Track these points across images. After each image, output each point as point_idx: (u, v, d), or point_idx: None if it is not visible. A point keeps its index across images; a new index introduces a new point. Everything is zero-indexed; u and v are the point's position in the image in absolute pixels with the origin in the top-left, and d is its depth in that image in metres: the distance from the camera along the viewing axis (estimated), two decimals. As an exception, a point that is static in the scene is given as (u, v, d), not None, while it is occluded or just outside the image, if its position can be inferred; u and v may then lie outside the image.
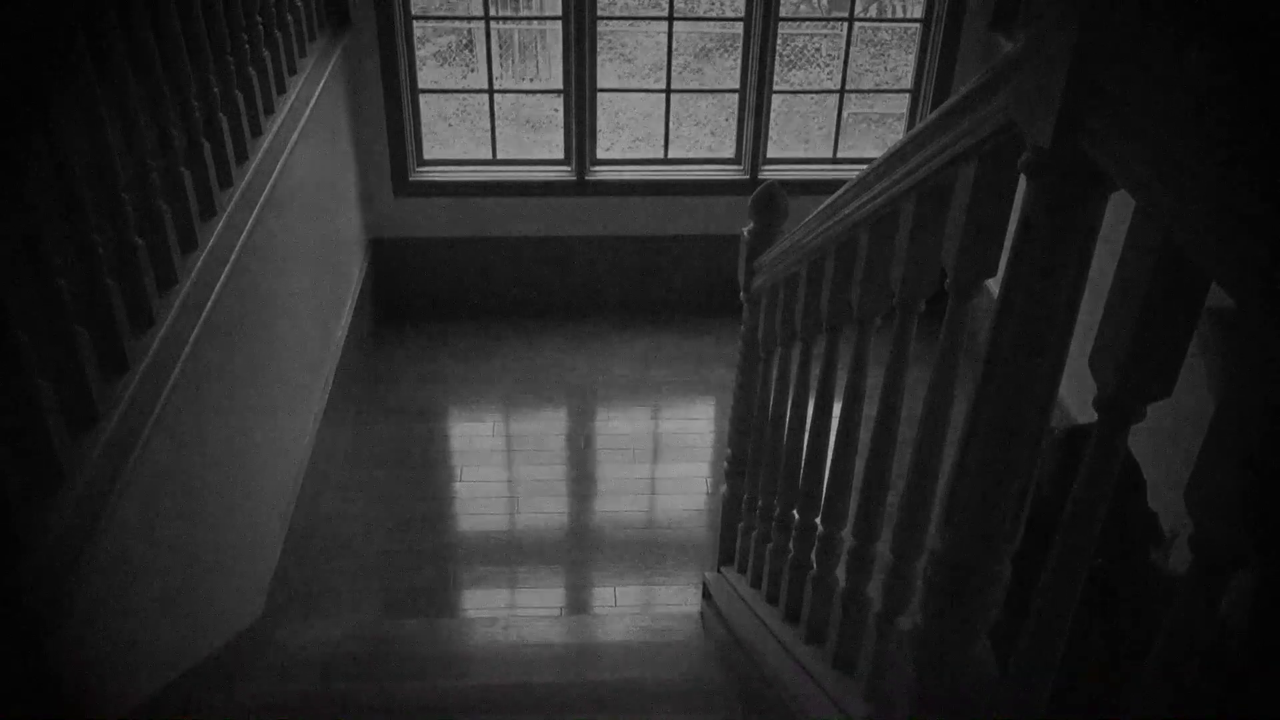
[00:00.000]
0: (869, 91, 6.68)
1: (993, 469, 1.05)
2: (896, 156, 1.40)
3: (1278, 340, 0.64)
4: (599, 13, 4.21)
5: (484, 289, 4.74)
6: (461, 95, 6.69)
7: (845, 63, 4.54)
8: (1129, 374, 0.85)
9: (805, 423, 2.04)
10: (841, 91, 4.57)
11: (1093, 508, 0.93)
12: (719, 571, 2.87)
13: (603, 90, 4.47)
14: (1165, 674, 0.79)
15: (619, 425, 4.09)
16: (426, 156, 4.57)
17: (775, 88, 4.44)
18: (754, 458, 2.56)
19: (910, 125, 4.59)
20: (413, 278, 4.69)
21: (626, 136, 6.65)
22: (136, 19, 2.05)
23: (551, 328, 4.66)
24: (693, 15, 5.83)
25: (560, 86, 4.46)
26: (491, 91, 4.54)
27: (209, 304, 2.23)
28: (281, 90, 3.11)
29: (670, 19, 4.38)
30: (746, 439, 2.67)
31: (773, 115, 4.50)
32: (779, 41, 4.35)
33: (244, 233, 2.51)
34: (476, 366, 4.39)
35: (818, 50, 7.66)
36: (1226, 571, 0.73)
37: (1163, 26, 0.76)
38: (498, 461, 3.86)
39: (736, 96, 4.48)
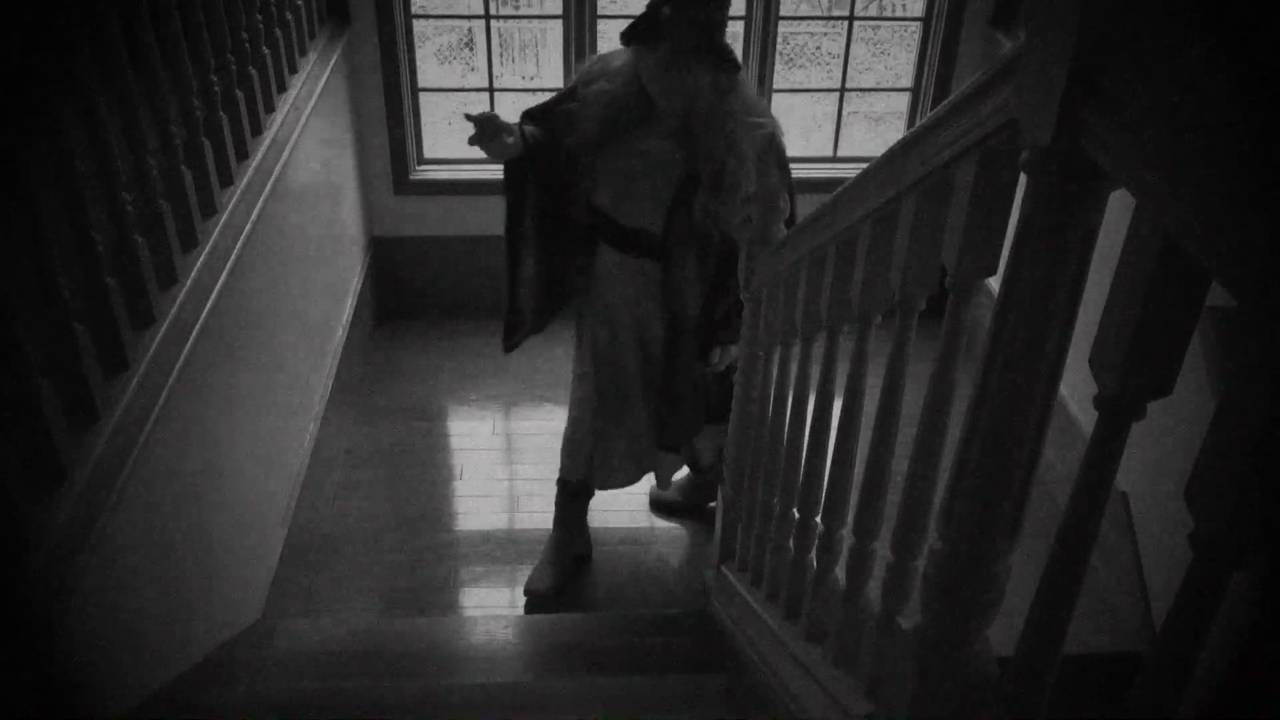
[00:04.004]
0: (869, 90, 6.67)
1: (992, 467, 1.05)
2: (896, 155, 1.40)
3: (1278, 339, 0.64)
4: (599, 12, 4.20)
5: (484, 287, 4.73)
6: (462, 94, 6.68)
7: (845, 61, 4.54)
8: (1129, 372, 0.85)
9: (805, 421, 2.04)
10: (842, 90, 4.57)
11: (1093, 509, 0.93)
12: (719, 570, 2.87)
13: (603, 89, 4.47)
14: (1165, 673, 0.79)
15: (619, 424, 4.08)
16: (427, 155, 4.57)
17: (775, 86, 4.43)
18: (754, 456, 2.56)
19: (910, 124, 4.59)
20: (413, 276, 4.69)
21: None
22: (137, 18, 2.05)
23: (551, 326, 4.65)
24: (693, 14, 5.83)
25: (560, 85, 4.45)
26: (492, 90, 4.54)
27: (209, 302, 2.23)
28: (282, 89, 3.11)
29: (670, 18, 4.38)
30: (746, 437, 2.67)
31: (772, 113, 4.50)
32: (779, 40, 4.34)
33: (244, 231, 2.51)
34: (476, 365, 4.38)
35: (818, 49, 7.65)
36: (1226, 570, 0.73)
37: (1163, 24, 0.76)
38: (498, 461, 3.86)
39: (737, 95, 4.48)
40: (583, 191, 2.70)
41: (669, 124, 2.54)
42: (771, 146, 2.30)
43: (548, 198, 2.69)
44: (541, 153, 2.61)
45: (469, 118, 2.46)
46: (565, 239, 2.79)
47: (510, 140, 2.51)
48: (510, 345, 2.96)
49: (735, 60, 2.55)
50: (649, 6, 2.53)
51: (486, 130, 2.47)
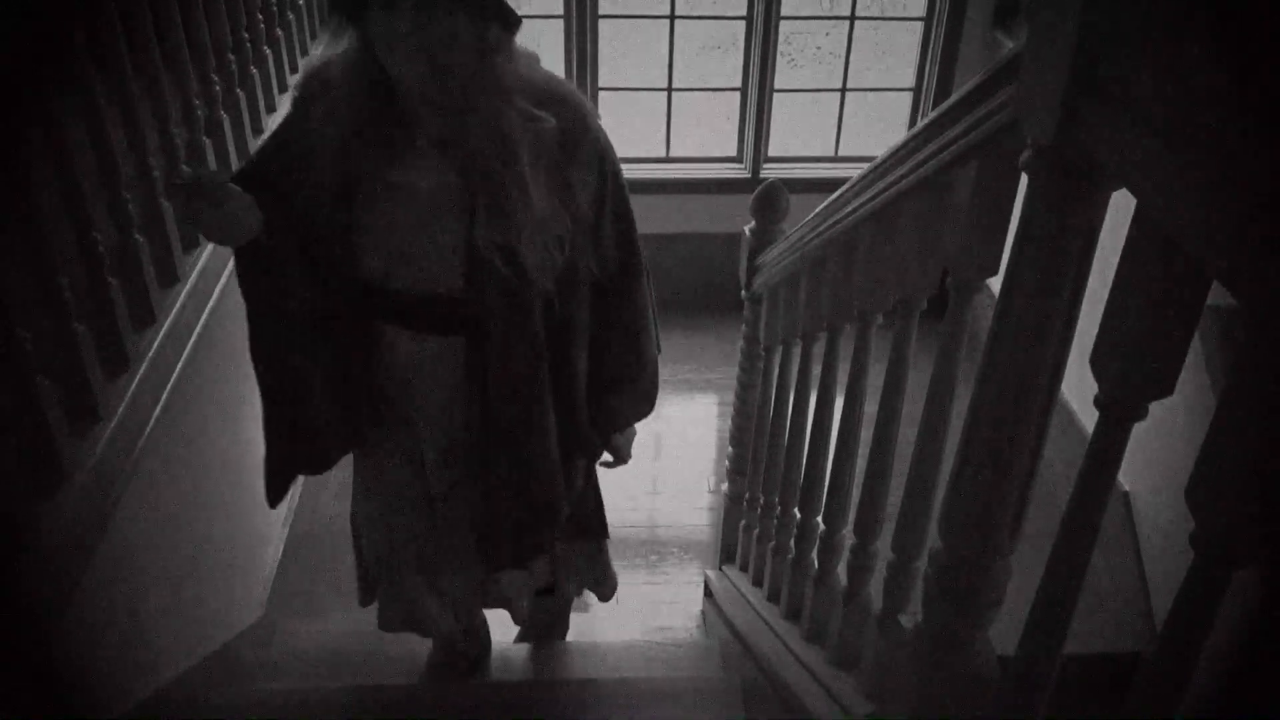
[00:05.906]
0: (870, 90, 6.67)
1: (993, 467, 1.05)
2: (898, 155, 1.40)
3: (1278, 339, 0.64)
4: (600, 12, 4.19)
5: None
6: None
7: (847, 61, 4.53)
8: (1130, 373, 0.85)
9: (806, 421, 2.04)
10: (843, 90, 4.57)
11: (1094, 509, 0.93)
12: (721, 570, 2.87)
13: (604, 89, 4.47)
14: (1165, 673, 0.79)
15: (620, 424, 4.07)
16: (428, 155, 4.56)
17: (776, 86, 4.43)
18: (755, 456, 2.56)
19: (912, 123, 4.58)
20: (414, 276, 4.67)
21: (628, 134, 6.64)
22: (137, 18, 2.05)
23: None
24: (695, 14, 5.82)
25: (561, 85, 4.45)
26: (493, 90, 4.52)
27: (211, 302, 2.23)
28: (284, 89, 3.11)
29: (672, 17, 4.38)
30: (748, 437, 2.67)
31: (774, 112, 4.50)
32: (780, 39, 4.34)
33: (245, 231, 2.51)
34: (478, 365, 4.37)
35: (818, 48, 7.65)
36: (1227, 571, 0.73)
37: (1165, 21, 0.76)
38: (499, 460, 3.85)
39: (738, 95, 4.48)
40: (341, 262, 1.72)
41: (427, 129, 1.64)
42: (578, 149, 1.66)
43: (312, 283, 1.75)
44: (290, 220, 1.68)
45: (175, 187, 1.61)
46: (350, 336, 1.81)
47: (247, 206, 1.59)
48: (277, 496, 2.01)
49: (513, 12, 1.56)
50: None
51: (207, 197, 1.52)
